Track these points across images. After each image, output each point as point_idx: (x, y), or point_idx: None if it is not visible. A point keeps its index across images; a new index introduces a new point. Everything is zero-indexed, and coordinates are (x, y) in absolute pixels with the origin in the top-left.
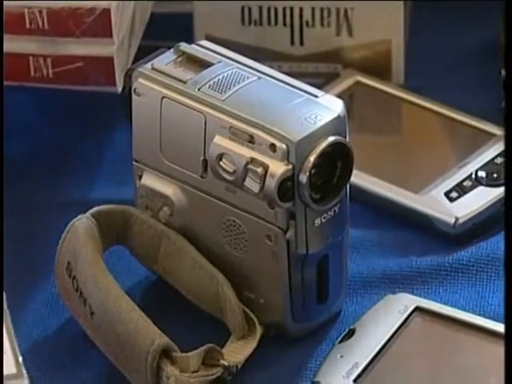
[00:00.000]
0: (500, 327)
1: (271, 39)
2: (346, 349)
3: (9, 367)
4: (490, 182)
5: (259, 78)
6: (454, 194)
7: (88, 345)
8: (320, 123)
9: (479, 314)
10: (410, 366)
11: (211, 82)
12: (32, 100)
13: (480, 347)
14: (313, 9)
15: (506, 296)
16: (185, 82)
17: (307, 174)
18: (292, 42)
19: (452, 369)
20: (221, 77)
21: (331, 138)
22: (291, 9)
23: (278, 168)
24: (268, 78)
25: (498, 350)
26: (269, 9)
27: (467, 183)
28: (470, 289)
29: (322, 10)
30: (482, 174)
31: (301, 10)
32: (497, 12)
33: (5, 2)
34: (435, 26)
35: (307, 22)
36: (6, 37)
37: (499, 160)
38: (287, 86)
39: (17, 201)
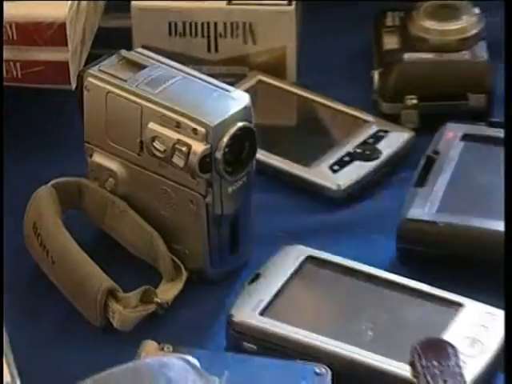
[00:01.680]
0: (374, 271)
1: (193, 47)
2: (253, 289)
3: None
4: (364, 158)
5: (184, 77)
6: (336, 167)
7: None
8: (231, 112)
9: (358, 261)
10: (303, 302)
11: (146, 80)
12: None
13: (359, 288)
14: (225, 23)
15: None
16: (125, 81)
17: (222, 151)
18: (209, 50)
19: (336, 304)
20: (153, 76)
21: (240, 124)
22: (208, 23)
23: (198, 147)
24: (191, 77)
25: (374, 288)
26: (190, 24)
27: (347, 158)
28: (351, 241)
29: (231, 24)
30: (358, 151)
31: (215, 24)
32: (368, 22)
33: None
34: (322, 34)
35: (220, 34)
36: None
37: (371, 140)
38: (206, 84)
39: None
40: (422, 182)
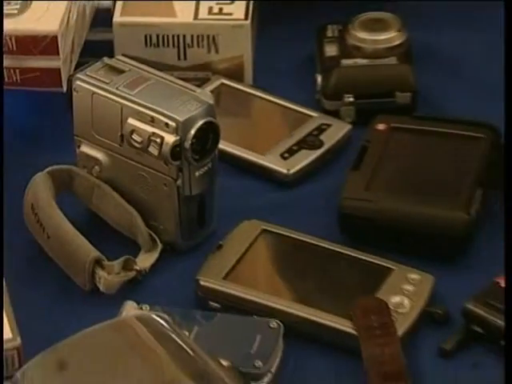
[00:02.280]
0: (319, 241)
1: (165, 56)
2: (216, 257)
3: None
4: (310, 147)
5: (157, 80)
6: (286, 155)
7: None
8: (197, 109)
9: (305, 233)
10: (259, 268)
11: (125, 83)
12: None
13: (306, 256)
14: (192, 36)
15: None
16: (107, 83)
17: (189, 142)
18: (179, 58)
19: (286, 269)
20: (131, 79)
21: (205, 119)
22: (178, 36)
23: (170, 139)
24: (163, 80)
25: (319, 256)
26: (163, 36)
27: (295, 147)
28: (300, 216)
29: (197, 36)
30: (304, 141)
31: (184, 36)
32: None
33: None
34: (274, 44)
35: (188, 45)
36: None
37: (315, 132)
38: (176, 85)
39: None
40: (357, 165)
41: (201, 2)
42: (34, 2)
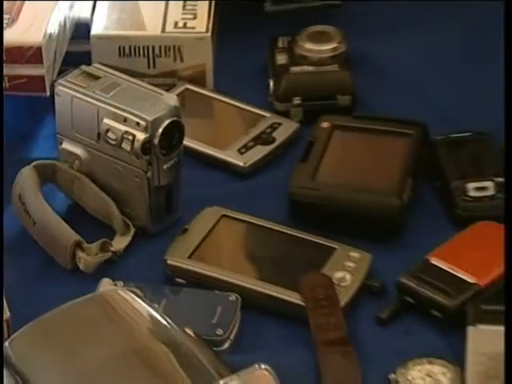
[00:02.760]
0: (272, 224)
1: (136, 65)
2: (182, 239)
3: None
4: (264, 143)
5: (129, 85)
6: (243, 150)
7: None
8: (165, 110)
9: (260, 218)
10: (219, 248)
11: (101, 87)
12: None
13: (260, 237)
14: (160, 47)
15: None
16: (85, 88)
17: (158, 139)
18: (148, 66)
19: (243, 249)
20: (106, 84)
21: (171, 118)
22: (147, 47)
23: (140, 136)
24: (134, 85)
25: (272, 237)
26: (135, 47)
27: (250, 144)
28: (255, 203)
29: (165, 47)
30: (258, 137)
31: (153, 47)
32: (265, 44)
33: None
34: (232, 53)
35: (157, 54)
36: None
37: (268, 130)
38: (145, 89)
39: None
40: (305, 158)
41: (167, 17)
42: (20, 17)
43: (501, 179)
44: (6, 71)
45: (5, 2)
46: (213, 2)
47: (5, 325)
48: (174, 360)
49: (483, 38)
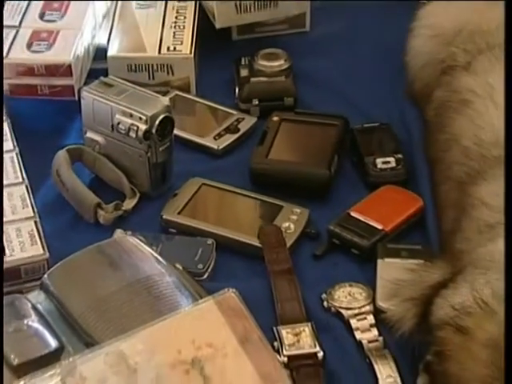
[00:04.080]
0: (239, 190)
1: (140, 77)
2: (173, 201)
3: None
4: (232, 132)
5: (134, 91)
6: (217, 137)
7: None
8: (160, 108)
9: (229, 185)
10: (202, 207)
11: (114, 92)
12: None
13: (229, 199)
14: (157, 64)
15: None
16: (103, 93)
17: (155, 129)
18: (149, 78)
19: (218, 208)
20: (117, 90)
21: (164, 114)
22: (148, 65)
23: (142, 127)
24: (138, 91)
25: (238, 198)
26: (139, 65)
27: (223, 132)
28: (225, 176)
29: (161, 65)
30: (228, 128)
31: (152, 65)
32: (233, 62)
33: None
34: (209, 69)
35: (155, 70)
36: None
37: (235, 123)
38: (146, 94)
39: (36, 146)
40: (261, 143)
41: (162, 43)
42: (55, 43)
43: (400, 155)
44: (46, 82)
45: (44, 32)
46: (194, 32)
47: (45, 263)
48: (168, 286)
49: (389, 56)
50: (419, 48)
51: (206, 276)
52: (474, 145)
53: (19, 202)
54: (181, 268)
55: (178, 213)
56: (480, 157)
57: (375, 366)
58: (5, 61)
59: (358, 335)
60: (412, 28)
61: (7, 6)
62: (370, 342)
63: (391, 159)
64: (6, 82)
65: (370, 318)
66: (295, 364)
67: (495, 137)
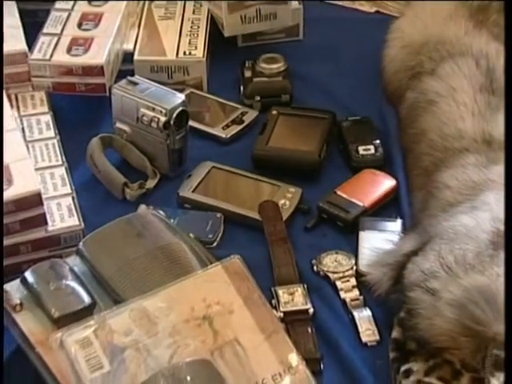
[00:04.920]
0: (243, 172)
1: (160, 77)
2: (188, 181)
3: None
4: (237, 123)
5: (156, 87)
6: (225, 128)
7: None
8: (177, 102)
9: (235, 167)
10: (212, 186)
11: (139, 89)
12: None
13: (235, 180)
14: (175, 66)
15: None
16: (130, 90)
17: (173, 120)
18: (168, 78)
19: (226, 186)
20: (142, 88)
21: (181, 108)
22: (168, 67)
23: (162, 118)
24: (159, 88)
25: (242, 179)
26: (160, 67)
27: (229, 124)
28: (232, 159)
29: (178, 67)
30: (234, 120)
31: (171, 67)
32: (239, 65)
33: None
34: (220, 69)
35: (173, 71)
36: (75, 79)
37: (240, 115)
38: (166, 91)
39: (74, 134)
40: (262, 132)
41: (179, 48)
42: (90, 49)
43: (378, 144)
44: (82, 80)
45: (81, 39)
46: (206, 40)
47: (80, 233)
48: (183, 253)
49: (368, 62)
50: (392, 56)
51: (214, 244)
52: (439, 138)
53: (59, 180)
54: (194, 237)
55: (192, 191)
56: (443, 148)
57: (356, 321)
58: (48, 62)
59: (343, 295)
60: (386, 40)
61: (51, 17)
62: (352, 300)
63: (371, 147)
64: (49, 80)
65: (353, 281)
66: (290, 318)
67: (456, 131)
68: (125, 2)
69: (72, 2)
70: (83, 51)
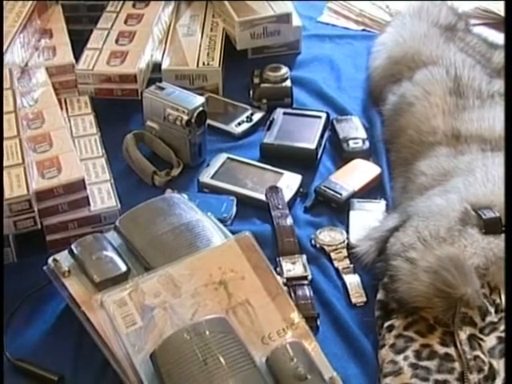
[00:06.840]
0: (253, 162)
1: (184, 83)
2: (207, 169)
3: None
4: (247, 121)
5: (180, 91)
6: (237, 125)
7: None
8: (197, 104)
9: (246, 158)
10: (227, 174)
11: (165, 93)
12: (120, 100)
13: (244, 169)
14: (196, 74)
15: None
16: (158, 94)
17: (194, 119)
18: (189, 84)
19: (238, 174)
20: (168, 92)
21: (200, 108)
22: (190, 75)
23: (185, 117)
24: (182, 93)
25: (251, 169)
26: (183, 74)
27: (241, 121)
28: (243, 151)
29: (198, 75)
30: (245, 118)
31: (192, 75)
32: (249, 73)
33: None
34: (232, 78)
35: (194, 78)
36: (113, 85)
37: (249, 115)
38: (188, 95)
39: (112, 130)
40: (269, 128)
41: (199, 59)
42: (126, 60)
43: (365, 138)
44: (119, 86)
45: (118, 52)
46: (222, 52)
47: (118, 213)
48: (203, 229)
49: (358, 70)
50: (377, 66)
51: (229, 222)
52: (416, 133)
53: (100, 169)
54: (211, 216)
55: (210, 178)
56: (420, 142)
57: (347, 285)
58: (91, 72)
59: (336, 263)
60: (371, 52)
61: (94, 35)
62: (344, 268)
63: (359, 141)
64: (91, 86)
65: (344, 252)
66: (292, 283)
67: (430, 128)
68: (154, 22)
69: (111, 23)
70: (120, 62)
